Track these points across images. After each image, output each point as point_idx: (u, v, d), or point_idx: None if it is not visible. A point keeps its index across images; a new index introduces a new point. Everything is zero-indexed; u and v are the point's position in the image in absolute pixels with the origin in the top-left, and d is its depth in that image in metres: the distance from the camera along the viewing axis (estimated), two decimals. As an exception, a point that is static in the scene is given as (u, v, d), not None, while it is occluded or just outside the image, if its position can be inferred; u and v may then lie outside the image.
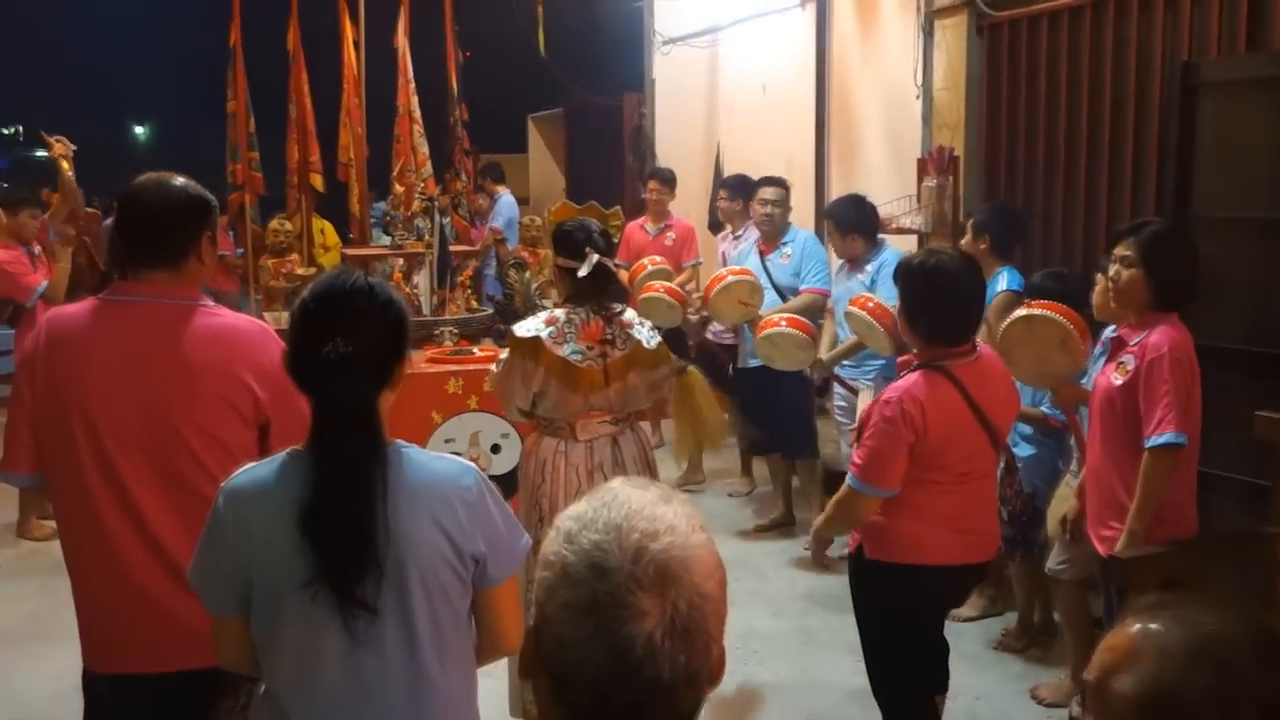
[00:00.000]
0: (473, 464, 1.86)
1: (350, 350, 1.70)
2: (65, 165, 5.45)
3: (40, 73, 20.63)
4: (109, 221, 9.86)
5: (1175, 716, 1.06)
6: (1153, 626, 1.11)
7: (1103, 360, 3.34)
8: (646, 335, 3.35)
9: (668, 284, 5.82)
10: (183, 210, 2.31)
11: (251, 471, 1.80)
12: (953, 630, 4.49)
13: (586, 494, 1.12)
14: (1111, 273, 3.21)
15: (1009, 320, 3.68)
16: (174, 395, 2.21)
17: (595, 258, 3.24)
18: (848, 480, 2.96)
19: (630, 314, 3.37)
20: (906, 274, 3.02)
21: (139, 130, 27.40)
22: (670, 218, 6.93)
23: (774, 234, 5.59)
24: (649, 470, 3.38)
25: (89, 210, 9.44)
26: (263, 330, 2.36)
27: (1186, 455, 3.12)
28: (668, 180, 6.96)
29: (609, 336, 3.25)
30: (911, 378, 2.91)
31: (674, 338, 6.28)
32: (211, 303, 2.36)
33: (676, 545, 1.03)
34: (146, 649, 2.25)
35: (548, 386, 3.21)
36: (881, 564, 2.99)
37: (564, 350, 3.19)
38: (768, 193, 5.62)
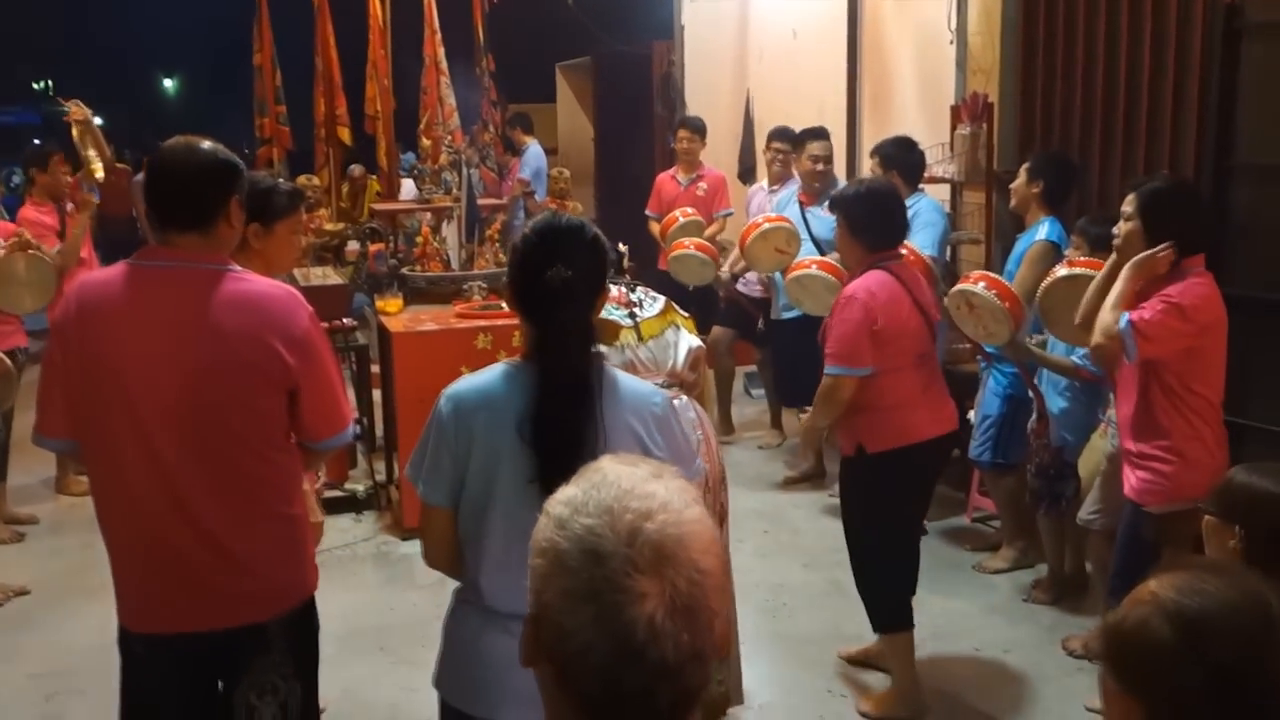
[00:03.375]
0: (662, 390, 2.13)
1: (570, 276, 1.94)
2: (76, 131, 5.39)
3: (70, 27, 20.64)
4: (139, 177, 9.92)
5: (1126, 654, 1.26)
6: (1153, 582, 1.28)
7: None
8: (674, 305, 3.33)
9: (699, 240, 5.78)
10: (212, 174, 2.30)
11: (472, 380, 2.04)
12: (983, 582, 4.54)
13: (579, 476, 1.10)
14: (1116, 228, 3.29)
15: (1050, 280, 3.64)
16: (206, 362, 2.22)
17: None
18: (825, 371, 3.41)
19: (650, 290, 3.37)
20: (842, 201, 3.55)
21: (168, 84, 27.43)
22: (702, 168, 6.86)
23: (821, 189, 5.52)
24: (713, 444, 3.26)
25: (119, 165, 9.48)
26: (291, 295, 2.36)
27: (1210, 408, 3.16)
28: (698, 129, 6.86)
29: (634, 300, 3.22)
30: (864, 277, 3.42)
31: (704, 295, 6.27)
32: (239, 268, 2.35)
33: (671, 523, 1.02)
34: (178, 610, 2.29)
35: None
36: (884, 454, 3.39)
37: None
38: (816, 148, 5.55)
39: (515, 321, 5.02)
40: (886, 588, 3.54)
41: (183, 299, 2.25)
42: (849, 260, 3.63)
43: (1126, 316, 3.10)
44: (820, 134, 5.62)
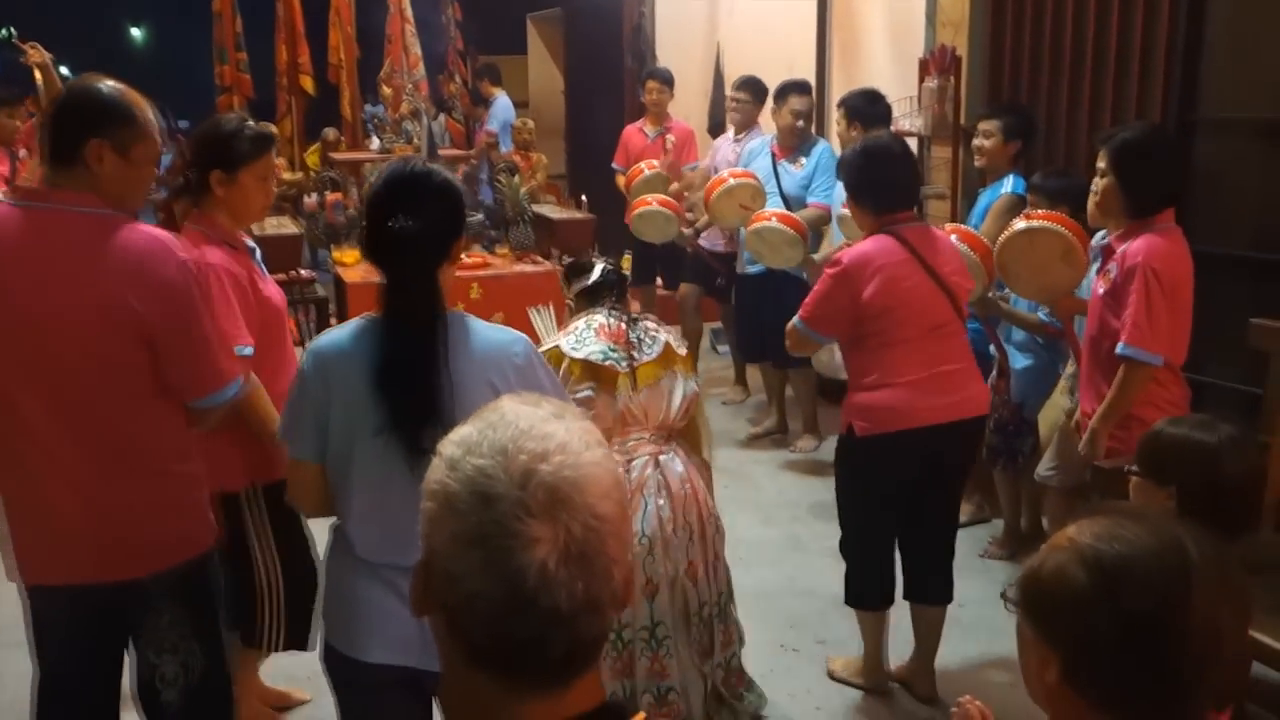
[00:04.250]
0: (523, 334, 2.09)
1: (412, 225, 1.94)
2: (39, 74, 5.27)
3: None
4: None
5: (1041, 600, 1.24)
6: (1072, 528, 1.25)
7: (1096, 267, 3.26)
8: (675, 339, 3.10)
9: (661, 195, 5.70)
10: (72, 109, 2.21)
11: (332, 333, 2.07)
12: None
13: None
14: (1092, 183, 3.18)
15: (1007, 234, 3.57)
16: (61, 312, 2.13)
17: (603, 263, 3.18)
18: (794, 320, 3.28)
19: (654, 320, 3.14)
20: (847, 161, 3.34)
21: (135, 33, 26.87)
22: (669, 120, 6.77)
23: (796, 144, 5.45)
24: (704, 489, 3.09)
25: None
26: (158, 241, 2.21)
27: (1169, 371, 3.08)
28: (667, 80, 6.76)
29: (634, 339, 2.98)
30: (862, 242, 3.20)
31: (671, 252, 6.21)
32: (114, 213, 2.19)
33: (568, 465, 0.97)
34: (57, 562, 2.28)
35: (576, 393, 2.91)
36: (874, 438, 3.15)
37: (585, 353, 2.92)
38: (798, 103, 5.45)
39: (472, 274, 4.99)
40: (861, 572, 3.36)
41: (48, 245, 2.15)
42: (861, 228, 3.33)
43: (1125, 350, 3.01)
44: (803, 88, 5.52)
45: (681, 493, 2.97)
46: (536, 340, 2.68)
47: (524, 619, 0.94)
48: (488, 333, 2.05)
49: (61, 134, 2.18)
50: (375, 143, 7.09)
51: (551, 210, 6.47)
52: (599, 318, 2.99)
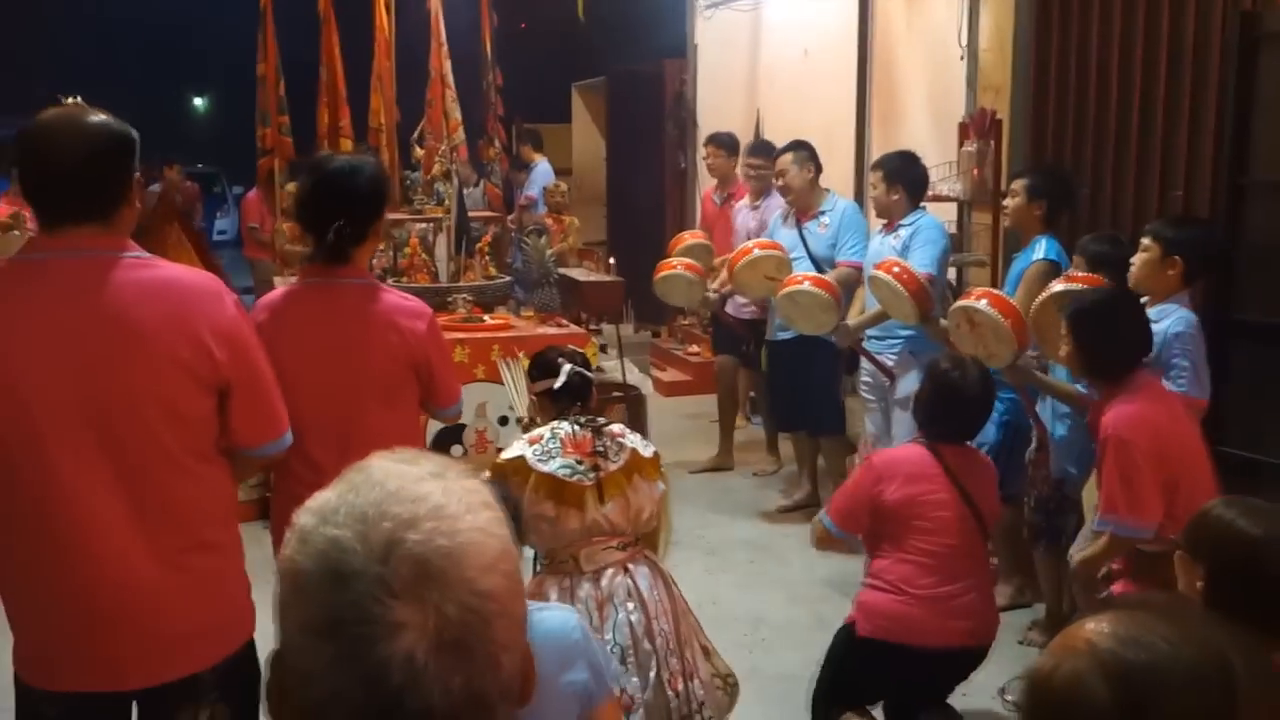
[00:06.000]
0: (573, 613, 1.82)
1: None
2: None
3: (100, 43, 20.80)
4: (154, 188, 9.84)
5: (1049, 712, 1.03)
6: (1090, 625, 1.04)
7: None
8: (640, 443, 2.98)
9: (686, 260, 5.59)
10: (111, 150, 1.98)
11: None
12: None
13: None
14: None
15: (1044, 296, 3.45)
16: (119, 363, 1.90)
17: (569, 367, 3.04)
18: (820, 514, 3.26)
19: (619, 426, 3.02)
20: (932, 375, 3.28)
21: (198, 103, 27.66)
22: (735, 184, 6.67)
23: (803, 203, 5.31)
24: (676, 601, 2.96)
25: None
26: (214, 281, 2.07)
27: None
28: (723, 144, 6.66)
29: (600, 449, 2.87)
30: (900, 446, 3.32)
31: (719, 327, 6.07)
32: (143, 252, 2.03)
33: (441, 532, 0.80)
34: (86, 665, 1.94)
35: (542, 509, 2.84)
36: (870, 641, 3.10)
37: (551, 466, 2.83)
38: (783, 161, 5.32)
39: (493, 335, 4.88)
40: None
41: (81, 290, 1.91)
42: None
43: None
44: (789, 147, 5.35)
45: (653, 599, 2.84)
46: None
47: None
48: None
49: (103, 183, 1.98)
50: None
51: (579, 273, 6.38)
52: (565, 427, 2.89)
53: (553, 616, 1.77)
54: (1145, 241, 3.50)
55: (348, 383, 2.65)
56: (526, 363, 3.38)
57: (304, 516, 0.83)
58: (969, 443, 3.30)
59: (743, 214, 6.08)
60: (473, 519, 0.82)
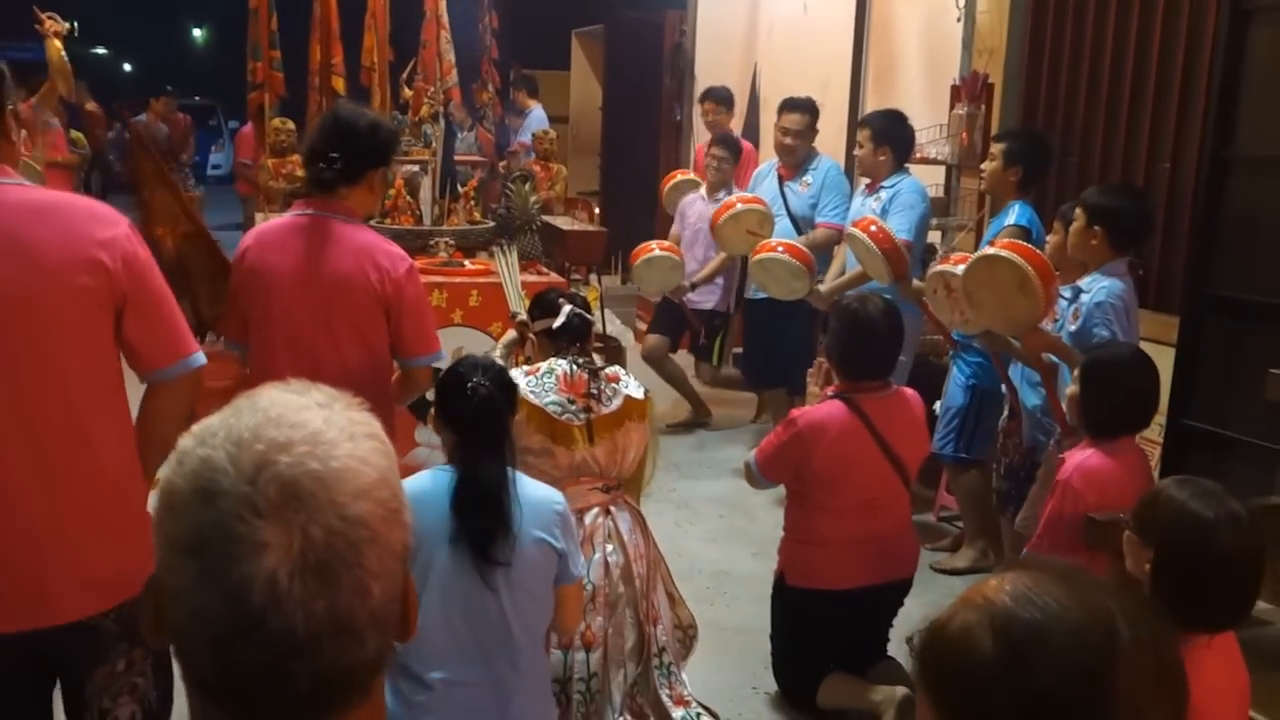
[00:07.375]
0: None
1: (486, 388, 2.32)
2: (56, 44, 5.22)
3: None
4: (141, 117, 9.73)
5: (940, 661, 1.03)
6: (993, 582, 1.04)
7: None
8: (634, 387, 3.02)
9: (667, 242, 5.57)
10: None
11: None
12: (941, 583, 4.30)
13: None
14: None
15: (969, 261, 3.48)
16: (14, 287, 1.83)
17: (569, 307, 3.06)
18: (750, 457, 3.36)
19: (617, 369, 3.05)
20: (837, 313, 3.33)
21: (196, 34, 27.31)
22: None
23: (795, 163, 5.28)
24: (651, 548, 3.05)
25: (89, 109, 9.12)
26: (99, 203, 2.00)
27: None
28: (721, 99, 6.58)
29: (594, 391, 2.91)
30: (819, 405, 3.27)
31: (666, 307, 6.03)
32: (22, 179, 1.95)
33: (315, 456, 0.79)
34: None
35: (530, 442, 2.86)
36: (800, 590, 3.26)
37: (542, 402, 2.86)
38: (790, 120, 5.28)
39: (472, 280, 4.86)
40: (789, 686, 3.44)
41: None
42: (826, 385, 3.43)
43: None
44: (798, 105, 5.33)
45: (632, 543, 2.94)
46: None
47: (251, 643, 0.76)
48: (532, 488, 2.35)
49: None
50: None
51: (563, 221, 6.34)
52: (562, 365, 2.92)
53: (544, 488, 2.37)
54: (1077, 210, 3.55)
55: (320, 315, 2.71)
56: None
57: (185, 439, 0.83)
58: (889, 381, 3.30)
59: (697, 205, 5.89)
60: (351, 446, 0.82)
